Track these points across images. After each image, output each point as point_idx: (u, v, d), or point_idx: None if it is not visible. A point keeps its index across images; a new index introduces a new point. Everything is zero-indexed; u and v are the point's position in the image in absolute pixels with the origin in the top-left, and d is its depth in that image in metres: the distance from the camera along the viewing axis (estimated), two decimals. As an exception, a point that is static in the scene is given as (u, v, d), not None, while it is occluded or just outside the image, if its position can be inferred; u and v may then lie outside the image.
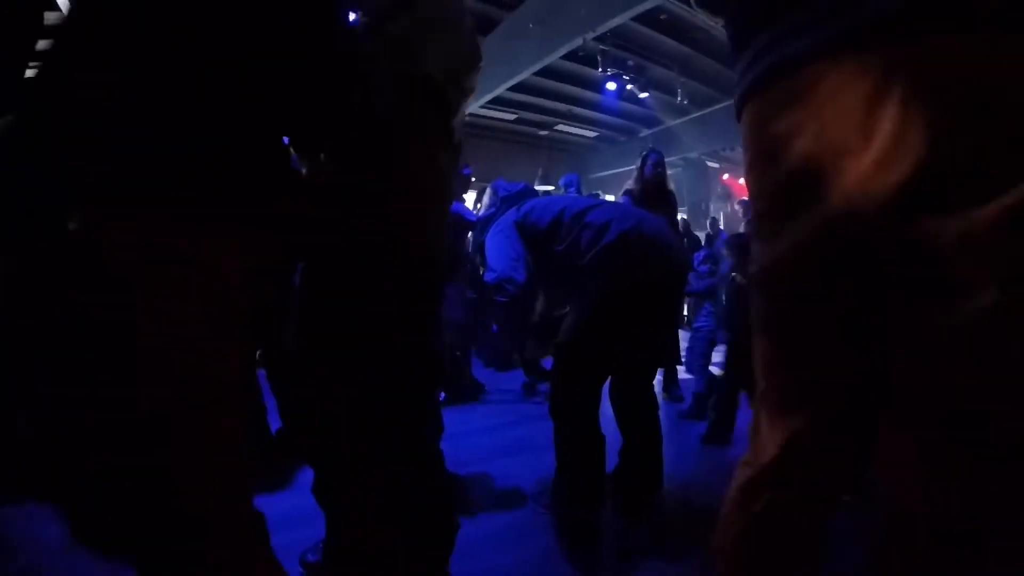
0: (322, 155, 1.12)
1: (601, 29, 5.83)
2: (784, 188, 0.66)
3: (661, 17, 6.49)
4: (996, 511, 0.53)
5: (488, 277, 2.10)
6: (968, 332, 0.51)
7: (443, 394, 3.48)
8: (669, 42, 7.10)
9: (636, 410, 2.13)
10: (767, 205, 0.71)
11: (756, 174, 0.72)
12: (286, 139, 0.93)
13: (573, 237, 1.96)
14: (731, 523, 0.80)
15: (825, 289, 0.66)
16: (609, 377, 2.10)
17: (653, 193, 3.45)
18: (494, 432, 2.98)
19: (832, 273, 0.65)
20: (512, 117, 9.94)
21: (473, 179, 4.07)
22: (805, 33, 0.60)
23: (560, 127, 10.71)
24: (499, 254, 2.07)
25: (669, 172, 3.82)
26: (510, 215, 2.15)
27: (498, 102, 8.59)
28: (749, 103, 0.70)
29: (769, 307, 0.75)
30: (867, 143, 0.56)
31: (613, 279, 1.89)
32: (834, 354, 0.69)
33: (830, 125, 0.59)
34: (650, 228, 1.97)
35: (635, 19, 5.89)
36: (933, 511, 0.57)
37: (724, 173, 11.78)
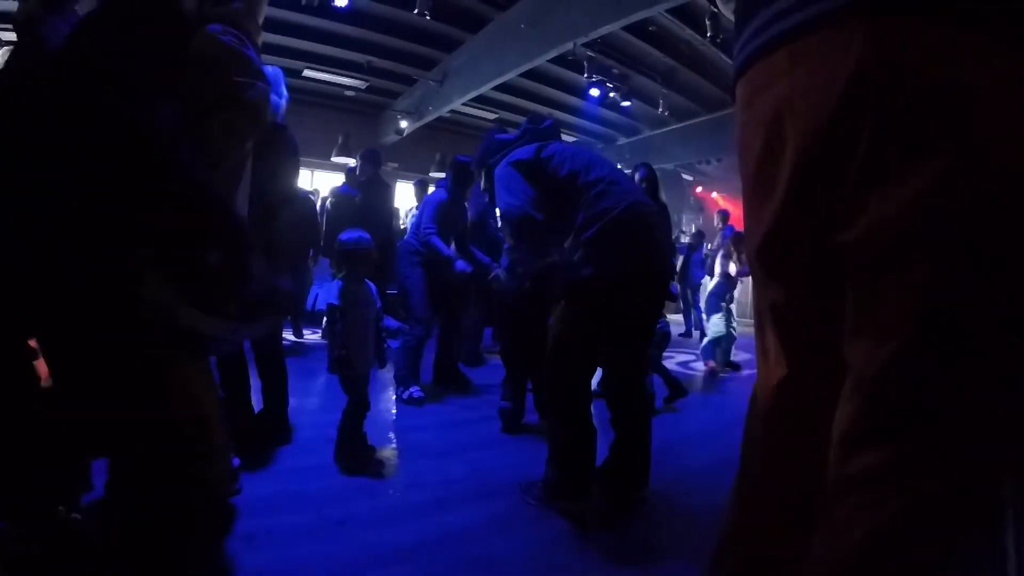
0: None
1: (592, 35, 5.82)
2: (756, 171, 0.69)
3: (650, 28, 6.54)
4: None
5: (506, 210, 2.01)
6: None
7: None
8: (655, 54, 7.15)
9: (629, 403, 2.12)
10: (746, 187, 0.73)
11: (739, 154, 0.74)
12: None
13: (573, 209, 1.93)
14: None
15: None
16: (602, 369, 2.09)
17: None
18: (480, 424, 2.95)
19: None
20: (493, 116, 9.86)
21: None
22: (786, 16, 0.61)
23: (540, 130, 10.69)
24: (514, 190, 1.99)
25: (644, 184, 3.80)
26: (526, 151, 2.07)
27: (480, 100, 8.48)
28: (738, 82, 0.72)
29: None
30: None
31: (600, 268, 1.88)
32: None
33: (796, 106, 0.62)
34: (644, 223, 1.94)
35: (625, 28, 5.90)
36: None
37: (698, 186, 12.00)
